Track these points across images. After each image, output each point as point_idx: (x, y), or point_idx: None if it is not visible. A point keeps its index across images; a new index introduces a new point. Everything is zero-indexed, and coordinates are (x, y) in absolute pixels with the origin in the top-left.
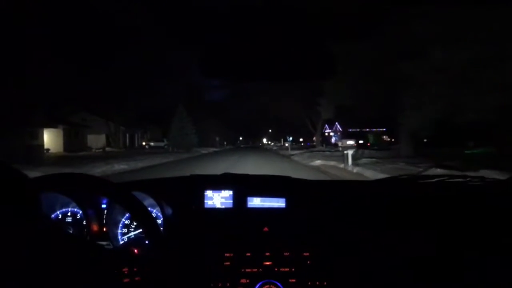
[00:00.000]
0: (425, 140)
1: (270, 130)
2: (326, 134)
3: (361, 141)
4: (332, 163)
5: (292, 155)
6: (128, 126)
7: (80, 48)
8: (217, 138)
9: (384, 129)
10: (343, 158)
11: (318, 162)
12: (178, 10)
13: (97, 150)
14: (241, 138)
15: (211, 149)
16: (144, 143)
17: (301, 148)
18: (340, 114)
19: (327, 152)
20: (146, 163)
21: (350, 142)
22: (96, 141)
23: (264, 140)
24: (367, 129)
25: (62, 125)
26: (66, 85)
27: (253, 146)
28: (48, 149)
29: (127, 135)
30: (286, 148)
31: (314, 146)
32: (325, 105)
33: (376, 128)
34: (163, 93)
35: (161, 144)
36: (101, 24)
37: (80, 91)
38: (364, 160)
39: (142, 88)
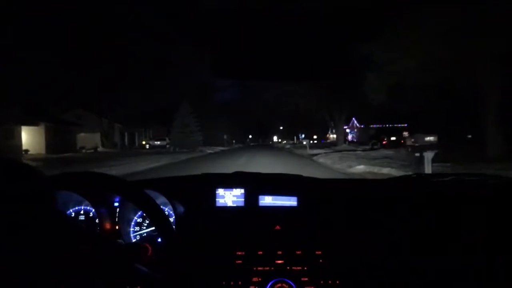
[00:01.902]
0: (469, 136)
1: (281, 128)
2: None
3: (393, 138)
4: (386, 170)
5: (313, 155)
6: (127, 124)
7: (73, 42)
8: (225, 136)
9: (406, 125)
10: (407, 161)
11: (360, 168)
12: (184, 6)
13: (87, 151)
14: (250, 136)
15: (218, 148)
16: (144, 142)
17: (319, 146)
18: (361, 108)
19: (360, 152)
20: (125, 170)
21: (430, 139)
22: (90, 140)
23: (275, 138)
24: (386, 125)
25: (45, 122)
26: (56, 79)
27: (263, 145)
28: (27, 150)
29: (126, 134)
30: (302, 146)
31: (334, 144)
32: (374, 83)
33: (397, 124)
34: (169, 90)
35: (163, 143)
36: (102, 15)
37: (75, 86)
38: (442, 168)
39: (145, 84)
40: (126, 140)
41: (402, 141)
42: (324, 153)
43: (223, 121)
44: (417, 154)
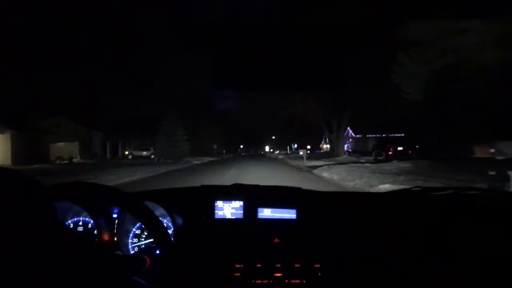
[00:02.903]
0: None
1: (273, 137)
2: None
3: (400, 148)
4: None
5: (313, 168)
6: (110, 133)
7: (54, 46)
8: (215, 146)
9: (403, 134)
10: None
11: (388, 188)
12: (178, 15)
13: (62, 162)
14: (241, 146)
15: (207, 159)
16: (127, 152)
17: (314, 157)
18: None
19: (368, 165)
20: None
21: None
22: (68, 150)
23: (267, 148)
24: (383, 135)
25: (11, 130)
26: (32, 84)
27: (255, 155)
28: None
29: (108, 143)
30: (296, 156)
31: (331, 155)
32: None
33: (394, 133)
34: (157, 98)
35: (147, 153)
36: (89, 19)
37: (53, 92)
38: None
39: (129, 91)
40: (108, 150)
41: (410, 151)
42: (326, 165)
43: (213, 130)
44: (493, 173)
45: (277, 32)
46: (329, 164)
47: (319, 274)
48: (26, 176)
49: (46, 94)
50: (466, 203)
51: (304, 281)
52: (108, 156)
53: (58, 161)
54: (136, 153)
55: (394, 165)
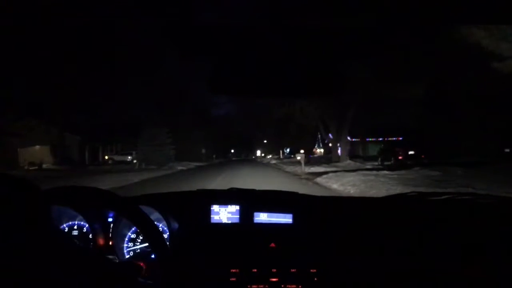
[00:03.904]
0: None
1: (265, 141)
2: (331, 144)
3: (411, 152)
4: None
5: (314, 175)
6: (89, 136)
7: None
8: (204, 150)
9: (401, 138)
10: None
11: None
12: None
13: (30, 168)
14: (232, 151)
15: (194, 164)
16: (106, 157)
17: (312, 162)
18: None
19: (386, 172)
20: None
21: None
22: (41, 155)
23: (258, 153)
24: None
25: None
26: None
27: (246, 159)
28: None
29: (87, 147)
30: (292, 162)
31: (329, 160)
32: None
33: (391, 137)
34: (142, 101)
35: (128, 158)
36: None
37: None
38: None
39: (112, 93)
40: (87, 154)
41: (423, 156)
42: (331, 172)
43: (201, 134)
44: None
45: (276, 36)
46: (335, 171)
47: (315, 279)
48: (22, 179)
49: (18, 94)
50: (463, 207)
51: (300, 286)
52: (87, 161)
53: (26, 167)
54: (117, 157)
55: (417, 173)
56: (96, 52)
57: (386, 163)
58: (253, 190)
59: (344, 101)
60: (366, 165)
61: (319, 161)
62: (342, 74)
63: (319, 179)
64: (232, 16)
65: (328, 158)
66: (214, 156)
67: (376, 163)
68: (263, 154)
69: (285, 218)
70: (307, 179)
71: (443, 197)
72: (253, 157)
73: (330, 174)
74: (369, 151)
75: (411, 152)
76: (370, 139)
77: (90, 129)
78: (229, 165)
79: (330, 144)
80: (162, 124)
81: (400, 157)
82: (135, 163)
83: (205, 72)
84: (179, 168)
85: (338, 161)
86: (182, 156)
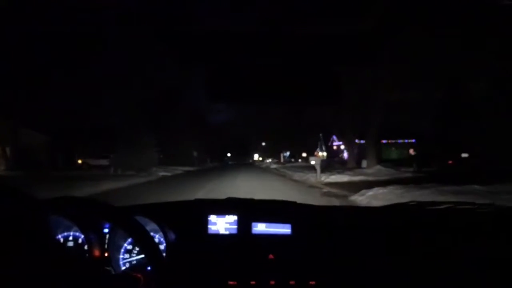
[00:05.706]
0: None
1: (263, 144)
2: (335, 147)
3: (465, 155)
4: None
5: (337, 186)
6: (61, 136)
7: None
8: (195, 154)
9: (413, 141)
10: None
11: None
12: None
13: None
14: (229, 154)
15: (182, 169)
16: (80, 161)
17: (325, 167)
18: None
19: (472, 188)
20: None
21: None
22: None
23: (256, 156)
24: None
25: None
26: None
27: (243, 164)
28: None
29: (60, 150)
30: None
31: (343, 163)
32: None
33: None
34: (123, 101)
35: (105, 162)
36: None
37: None
38: None
39: (88, 89)
40: (59, 157)
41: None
42: (366, 185)
43: (196, 134)
44: None
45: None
46: (369, 183)
47: None
48: (19, 190)
49: None
50: (462, 217)
51: None
52: (59, 165)
53: None
54: (92, 161)
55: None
56: (77, 47)
57: (425, 169)
58: (251, 199)
59: (370, 104)
60: (401, 172)
61: (332, 166)
62: (340, 80)
63: (360, 199)
64: (231, 23)
65: (340, 162)
66: (208, 159)
67: (410, 169)
68: (260, 158)
69: (284, 229)
70: (335, 195)
71: (443, 206)
72: (250, 161)
73: (376, 191)
74: (382, 154)
75: (464, 155)
76: (387, 141)
77: (63, 128)
78: (223, 170)
79: (343, 147)
80: (144, 124)
81: (450, 162)
82: (114, 168)
83: (202, 74)
84: (162, 174)
85: (355, 167)
86: (171, 160)
